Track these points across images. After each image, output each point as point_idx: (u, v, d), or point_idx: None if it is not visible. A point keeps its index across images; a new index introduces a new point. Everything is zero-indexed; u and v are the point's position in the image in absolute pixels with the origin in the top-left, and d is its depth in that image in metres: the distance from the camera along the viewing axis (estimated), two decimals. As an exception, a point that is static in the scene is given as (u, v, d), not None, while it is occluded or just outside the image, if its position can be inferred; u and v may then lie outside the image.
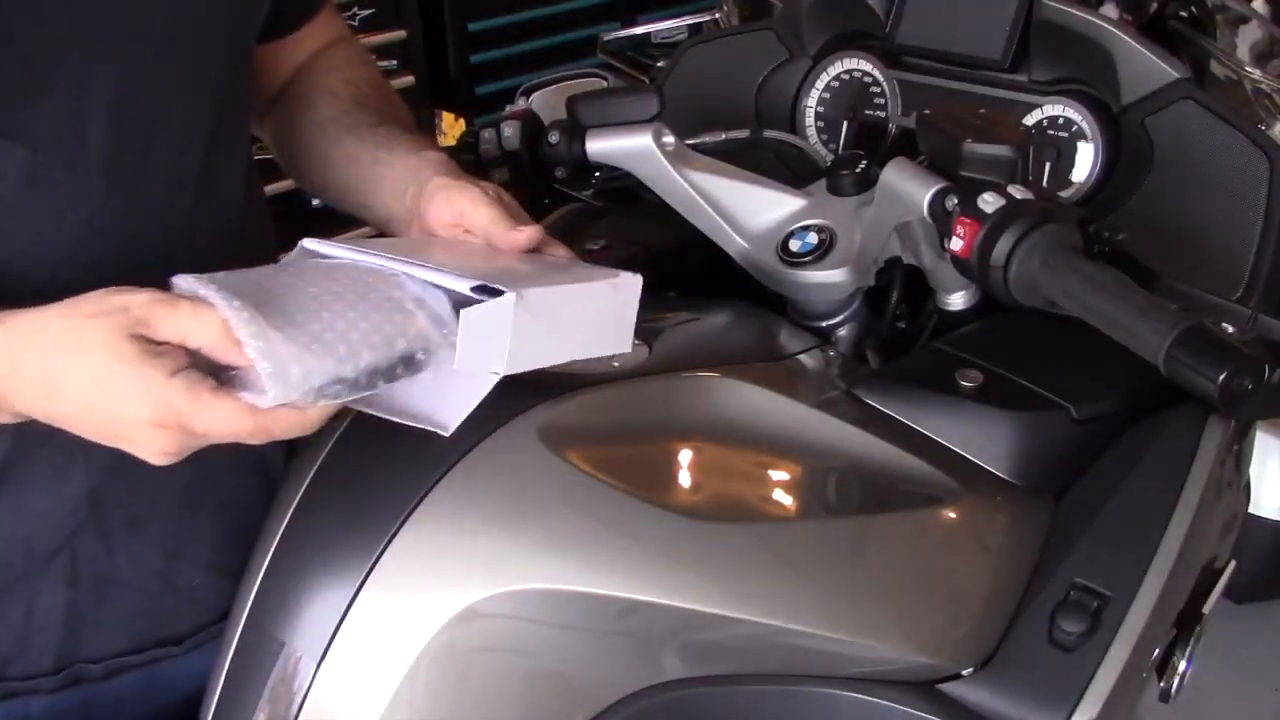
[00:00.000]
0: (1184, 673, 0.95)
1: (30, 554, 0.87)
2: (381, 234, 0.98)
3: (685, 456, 0.89)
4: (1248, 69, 1.26)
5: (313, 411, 0.72)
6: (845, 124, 1.28)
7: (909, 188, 0.96)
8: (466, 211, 0.87)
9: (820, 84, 1.28)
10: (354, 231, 2.65)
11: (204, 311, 0.70)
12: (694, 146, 1.15)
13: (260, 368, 0.67)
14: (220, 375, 0.71)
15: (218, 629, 0.92)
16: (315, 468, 0.84)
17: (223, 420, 0.70)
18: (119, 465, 0.81)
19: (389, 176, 0.96)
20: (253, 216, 0.98)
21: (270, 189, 1.07)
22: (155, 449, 0.72)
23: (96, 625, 0.91)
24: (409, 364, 0.73)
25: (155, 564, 0.92)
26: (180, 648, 0.95)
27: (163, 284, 0.76)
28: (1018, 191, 0.89)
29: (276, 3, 0.99)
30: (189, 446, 0.72)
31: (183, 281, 0.73)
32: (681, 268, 1.17)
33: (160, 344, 0.70)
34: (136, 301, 0.70)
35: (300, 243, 0.82)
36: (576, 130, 1.11)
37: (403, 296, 0.75)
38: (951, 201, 0.92)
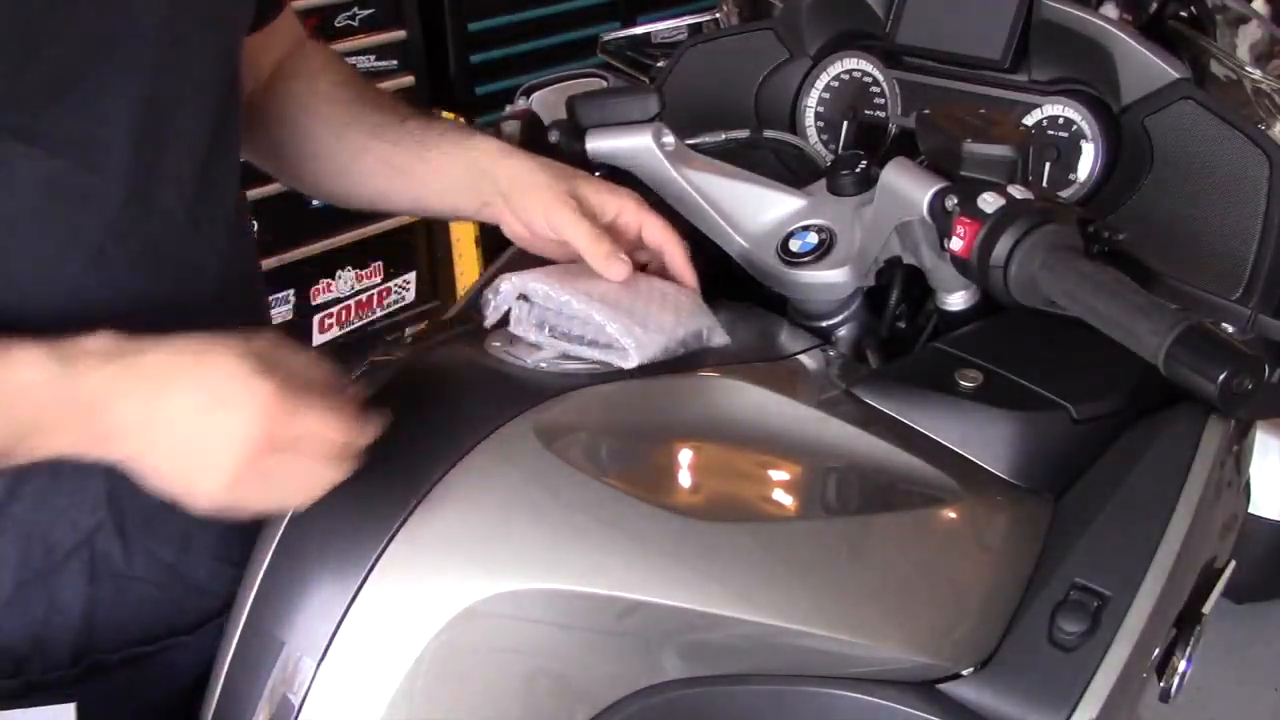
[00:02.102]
0: (1184, 673, 0.95)
1: (50, 551, 0.88)
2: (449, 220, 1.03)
3: (685, 456, 0.89)
4: (1248, 69, 1.26)
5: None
6: (845, 124, 1.28)
7: (909, 188, 0.96)
8: (563, 231, 0.96)
9: (820, 84, 1.28)
10: (363, 230, 2.64)
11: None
12: (694, 146, 1.15)
13: (625, 343, 0.88)
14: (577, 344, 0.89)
15: (223, 618, 0.93)
16: (315, 468, 0.84)
17: (322, 418, 0.74)
18: None
19: (446, 173, 0.99)
20: (240, 213, 0.99)
21: (267, 191, 1.06)
22: (257, 447, 0.73)
23: (112, 619, 0.92)
24: (699, 339, 0.93)
25: (168, 558, 0.93)
26: (190, 636, 0.96)
27: (180, 283, 0.86)
28: (1018, 191, 0.89)
29: None
30: (279, 449, 0.74)
31: (509, 282, 0.90)
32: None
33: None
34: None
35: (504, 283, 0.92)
36: (576, 130, 1.11)
37: (670, 290, 0.96)
38: (951, 201, 0.92)
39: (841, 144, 1.28)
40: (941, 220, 0.93)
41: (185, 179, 0.88)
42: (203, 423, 0.73)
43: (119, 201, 0.83)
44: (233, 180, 0.95)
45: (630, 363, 0.87)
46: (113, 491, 0.88)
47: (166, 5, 0.83)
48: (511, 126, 1.15)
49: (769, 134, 1.23)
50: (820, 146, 1.28)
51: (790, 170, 1.24)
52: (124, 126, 0.82)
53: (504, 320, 0.92)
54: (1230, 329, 1.03)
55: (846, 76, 1.27)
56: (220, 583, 0.94)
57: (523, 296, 0.92)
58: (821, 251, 1.05)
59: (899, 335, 1.10)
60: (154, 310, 0.85)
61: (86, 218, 0.82)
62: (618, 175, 1.10)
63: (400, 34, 2.62)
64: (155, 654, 0.95)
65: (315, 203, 1.11)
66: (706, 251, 1.10)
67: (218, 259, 0.91)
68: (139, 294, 0.85)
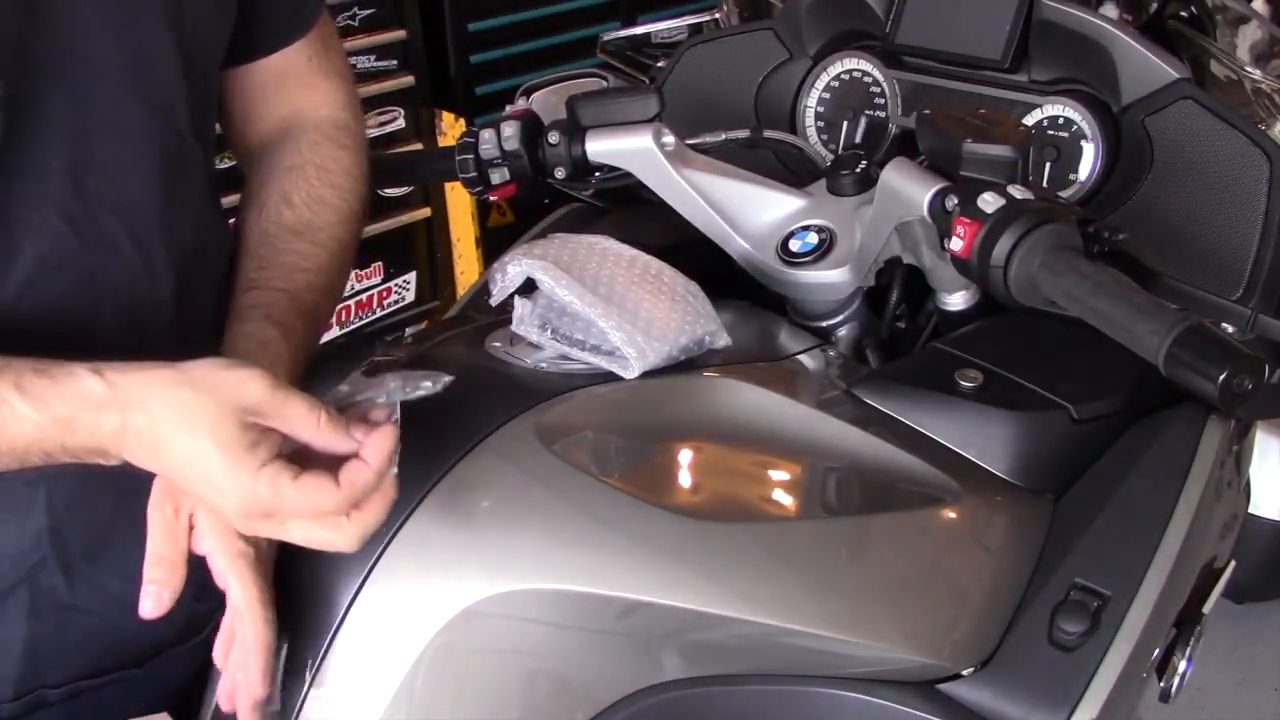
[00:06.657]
0: (1184, 673, 0.95)
1: None
2: None
3: (685, 456, 0.89)
4: (1248, 69, 1.27)
5: (390, 488, 0.74)
6: (845, 124, 1.28)
7: (909, 188, 0.96)
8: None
9: (820, 84, 1.28)
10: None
11: (313, 409, 0.73)
12: (694, 146, 1.15)
13: (627, 352, 0.88)
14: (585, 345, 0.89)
15: (180, 648, 0.93)
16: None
17: (302, 503, 0.72)
18: (82, 500, 0.83)
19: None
20: (213, 241, 0.95)
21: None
22: (242, 526, 0.74)
23: (57, 652, 0.90)
24: (702, 345, 0.92)
25: (114, 590, 0.90)
26: (140, 669, 0.93)
27: (119, 314, 0.82)
28: (1018, 191, 0.89)
29: (242, 24, 0.95)
30: (271, 530, 0.74)
31: (517, 264, 0.90)
32: (681, 268, 1.17)
33: (262, 429, 0.72)
34: (253, 390, 0.72)
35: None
36: (576, 130, 1.11)
37: (678, 288, 0.95)
38: (951, 201, 0.92)
39: (841, 144, 1.28)
40: (941, 220, 0.93)
41: (138, 211, 0.85)
42: (202, 471, 0.72)
43: (54, 234, 0.81)
44: (199, 208, 0.92)
45: (631, 373, 0.88)
46: (55, 525, 0.86)
47: (112, 33, 0.81)
48: (511, 127, 1.14)
49: (769, 134, 1.23)
50: (820, 146, 1.28)
51: (790, 170, 1.24)
52: (59, 157, 0.80)
53: (506, 318, 0.92)
54: (1230, 329, 1.03)
55: (846, 76, 1.27)
56: (173, 613, 0.89)
57: (529, 282, 0.91)
58: (821, 251, 1.05)
59: (899, 335, 1.10)
60: (96, 340, 0.83)
61: (20, 248, 0.80)
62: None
63: (400, 34, 2.61)
64: (101, 687, 0.92)
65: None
66: (706, 251, 1.10)
67: (179, 286, 0.88)
68: (80, 323, 0.83)
